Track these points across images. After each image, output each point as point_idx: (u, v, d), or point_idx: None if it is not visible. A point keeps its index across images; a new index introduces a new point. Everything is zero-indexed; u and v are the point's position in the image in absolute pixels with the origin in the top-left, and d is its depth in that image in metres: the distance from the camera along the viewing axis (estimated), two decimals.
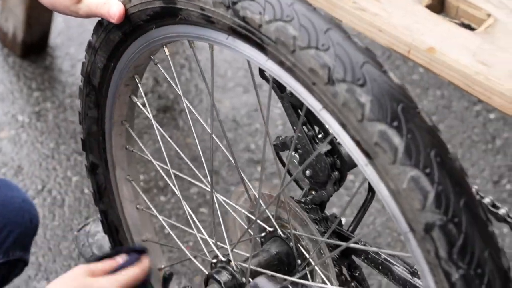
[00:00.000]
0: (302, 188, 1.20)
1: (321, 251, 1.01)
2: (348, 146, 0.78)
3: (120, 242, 1.34)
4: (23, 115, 2.11)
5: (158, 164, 1.17)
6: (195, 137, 1.20)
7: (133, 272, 1.06)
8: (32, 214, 1.26)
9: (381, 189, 0.78)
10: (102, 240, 1.49)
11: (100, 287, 1.02)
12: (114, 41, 1.04)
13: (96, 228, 1.71)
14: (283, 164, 1.20)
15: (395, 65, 2.33)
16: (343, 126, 0.78)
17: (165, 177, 1.18)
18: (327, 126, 0.97)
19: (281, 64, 0.82)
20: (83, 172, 1.96)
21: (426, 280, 0.78)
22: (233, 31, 0.86)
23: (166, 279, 1.32)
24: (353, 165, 1.05)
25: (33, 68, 2.23)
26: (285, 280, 0.97)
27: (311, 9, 0.81)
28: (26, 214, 1.24)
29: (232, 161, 1.06)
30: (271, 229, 1.05)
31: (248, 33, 0.84)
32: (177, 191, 1.13)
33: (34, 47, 2.24)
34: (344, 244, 0.99)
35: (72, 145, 2.03)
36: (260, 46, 0.84)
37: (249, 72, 2.34)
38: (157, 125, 1.14)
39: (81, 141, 1.21)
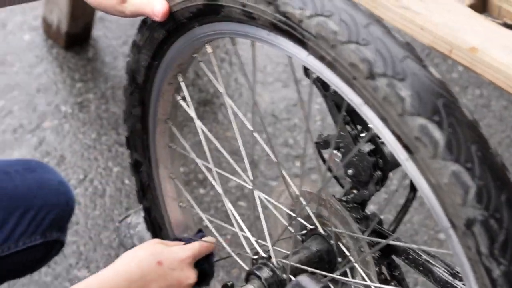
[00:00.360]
0: (343, 186, 1.21)
1: (362, 249, 1.01)
2: (389, 140, 0.79)
3: (163, 239, 1.36)
4: (66, 105, 2.14)
5: (201, 162, 1.19)
6: (236, 132, 1.20)
7: (200, 243, 1.13)
8: (68, 196, 1.29)
9: (422, 184, 0.78)
10: (143, 232, 1.51)
11: (172, 251, 1.07)
12: (158, 39, 1.05)
13: (137, 219, 1.73)
14: (325, 162, 1.21)
15: (434, 63, 2.32)
16: (384, 120, 0.79)
17: (206, 173, 1.20)
18: (368, 122, 0.97)
19: (321, 59, 0.83)
20: (124, 163, 1.99)
21: (467, 276, 0.78)
22: (274, 27, 0.87)
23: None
24: (396, 164, 1.06)
25: (76, 60, 2.26)
26: (325, 277, 0.98)
27: (351, 4, 0.82)
28: (63, 196, 1.27)
29: (273, 158, 1.07)
30: (311, 227, 1.06)
31: (289, 29, 0.85)
32: (219, 189, 1.14)
33: (77, 38, 2.28)
34: (384, 241, 0.99)
35: (113, 136, 2.06)
36: (301, 42, 0.85)
37: (288, 67, 2.35)
38: (201, 125, 1.15)
39: (125, 139, 1.23)
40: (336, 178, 1.22)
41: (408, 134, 0.77)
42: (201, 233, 1.21)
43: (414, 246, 1.03)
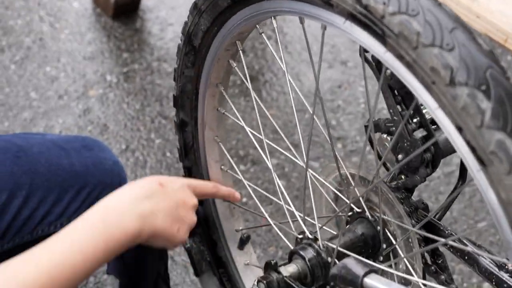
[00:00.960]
0: (388, 171, 1.20)
1: (410, 240, 1.00)
2: (461, 149, 0.77)
3: (201, 202, 1.36)
4: (111, 75, 2.15)
5: (250, 131, 1.18)
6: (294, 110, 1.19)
7: (204, 182, 1.15)
8: (121, 177, 1.29)
9: (490, 196, 0.77)
10: None
11: (172, 180, 1.06)
12: (222, 6, 1.04)
13: None
14: (373, 147, 1.19)
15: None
16: (459, 129, 0.76)
17: (255, 143, 1.19)
18: (439, 125, 0.96)
19: (400, 58, 0.81)
20: (166, 135, 1.99)
21: None
22: (352, 17, 0.85)
23: (243, 241, 1.33)
24: (448, 152, 1.04)
25: (124, 30, 2.27)
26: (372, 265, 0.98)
27: (437, 5, 0.80)
28: (116, 176, 1.27)
29: (327, 138, 1.06)
30: (359, 210, 1.05)
31: (369, 22, 0.83)
32: (268, 162, 1.14)
33: (125, 8, 2.28)
34: (441, 240, 0.98)
35: (157, 108, 2.06)
36: (379, 37, 0.82)
37: (334, 47, 2.33)
38: (254, 95, 1.15)
39: (173, 97, 1.23)
40: (383, 163, 1.21)
41: (484, 147, 0.75)
42: None
43: (469, 249, 1.02)
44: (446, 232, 1.07)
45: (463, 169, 1.11)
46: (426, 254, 1.10)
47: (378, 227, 1.01)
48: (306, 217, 1.06)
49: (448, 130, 0.78)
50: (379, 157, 1.15)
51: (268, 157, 1.14)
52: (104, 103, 2.07)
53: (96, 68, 2.16)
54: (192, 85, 1.18)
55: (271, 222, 1.23)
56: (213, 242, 1.33)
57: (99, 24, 2.28)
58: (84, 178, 1.24)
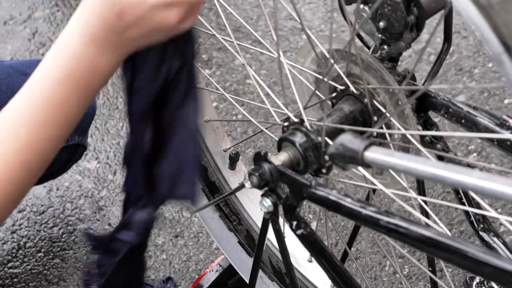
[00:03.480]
0: (367, 46, 1.13)
1: (399, 102, 0.94)
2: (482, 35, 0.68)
3: None
4: None
5: (222, 38, 1.10)
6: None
7: None
8: (92, 102, 1.23)
9: (467, 8, 0.69)
10: None
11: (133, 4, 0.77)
12: None
13: None
14: (346, 20, 1.12)
15: None
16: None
17: (225, 43, 1.11)
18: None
19: None
20: None
21: None
22: None
23: (233, 158, 1.28)
24: (432, 12, 0.97)
25: None
26: (365, 133, 0.92)
27: None
28: None
29: (297, 18, 0.98)
30: (342, 87, 0.98)
31: None
32: (242, 59, 1.06)
33: None
34: (422, 87, 0.92)
35: None
36: None
37: None
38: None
39: None
40: (359, 36, 1.14)
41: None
42: None
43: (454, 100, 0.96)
44: (438, 98, 1.01)
45: (447, 31, 1.05)
46: (419, 127, 1.04)
47: (365, 100, 0.95)
48: (288, 105, 0.99)
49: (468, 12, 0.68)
50: (358, 34, 1.08)
51: (241, 54, 1.06)
52: (53, 23, 1.95)
53: None
54: None
55: (251, 118, 1.16)
56: (203, 167, 1.26)
57: None
58: None
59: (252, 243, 1.33)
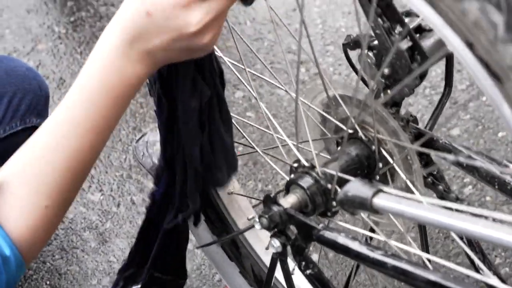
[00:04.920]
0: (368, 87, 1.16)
1: (408, 157, 0.98)
2: (471, 66, 0.72)
3: None
4: (59, 26, 2.06)
5: (230, 62, 1.13)
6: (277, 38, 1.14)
7: None
8: (39, 81, 1.28)
9: (505, 111, 0.72)
10: None
11: (161, 3, 0.80)
12: None
13: (154, 137, 1.69)
14: (352, 65, 1.16)
15: None
16: (470, 45, 0.71)
17: (237, 74, 1.15)
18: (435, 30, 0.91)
19: None
20: None
21: None
22: None
23: None
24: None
25: None
26: (375, 182, 0.95)
27: None
28: (33, 80, 1.26)
29: (312, 59, 1.01)
30: (351, 131, 1.02)
31: None
32: (254, 92, 1.09)
33: None
34: (449, 157, 0.95)
35: None
36: None
37: None
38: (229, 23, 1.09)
39: None
40: (363, 80, 1.18)
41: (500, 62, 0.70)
42: None
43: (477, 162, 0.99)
44: (440, 141, 1.05)
45: (448, 75, 1.09)
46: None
47: (373, 147, 0.99)
48: (299, 145, 1.02)
49: (456, 46, 0.72)
50: (362, 78, 1.11)
51: (253, 87, 1.09)
52: (56, 56, 1.99)
53: (41, 20, 2.07)
54: None
55: (259, 150, 1.19)
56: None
57: None
58: (1, 87, 1.22)
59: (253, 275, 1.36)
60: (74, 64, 1.97)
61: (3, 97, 1.20)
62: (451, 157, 0.86)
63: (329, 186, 0.96)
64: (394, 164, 0.98)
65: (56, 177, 0.84)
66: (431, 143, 1.05)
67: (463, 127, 1.92)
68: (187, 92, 0.95)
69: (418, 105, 1.95)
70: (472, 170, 1.01)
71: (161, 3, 0.80)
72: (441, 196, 1.10)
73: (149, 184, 1.71)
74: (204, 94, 0.96)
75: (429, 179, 1.09)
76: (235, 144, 1.70)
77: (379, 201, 0.83)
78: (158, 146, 1.46)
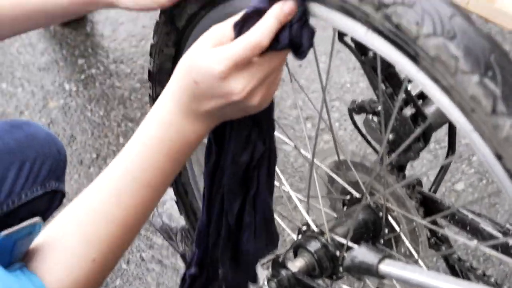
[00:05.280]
0: (375, 150, 1.20)
1: (416, 230, 1.00)
2: (499, 177, 0.72)
3: (190, 204, 1.34)
4: (70, 83, 2.10)
5: None
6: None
7: (275, 57, 0.83)
8: (58, 145, 1.31)
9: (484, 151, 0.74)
10: (172, 209, 1.50)
11: (208, 65, 0.83)
12: None
13: (164, 197, 1.72)
14: (358, 129, 1.19)
15: None
16: (499, 157, 0.71)
17: None
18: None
19: (435, 81, 0.71)
20: None
21: None
22: (378, 31, 0.76)
23: None
24: (439, 125, 1.05)
25: (75, 35, 2.22)
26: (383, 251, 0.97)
27: (473, 27, 0.72)
28: (53, 145, 1.30)
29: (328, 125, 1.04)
30: (358, 196, 1.05)
31: (399, 41, 0.74)
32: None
33: None
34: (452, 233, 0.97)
35: (121, 111, 2.03)
36: (411, 56, 0.73)
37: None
38: None
39: (149, 72, 1.18)
40: (368, 142, 1.21)
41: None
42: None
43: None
44: (445, 206, 1.07)
45: (451, 140, 1.12)
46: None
47: (381, 213, 1.01)
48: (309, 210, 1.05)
49: (487, 157, 0.72)
50: (366, 140, 1.15)
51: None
52: (67, 113, 2.03)
53: (53, 78, 2.11)
54: (172, 63, 1.15)
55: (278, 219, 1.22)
56: (193, 212, 1.31)
57: (49, 33, 2.23)
58: (22, 153, 1.25)
59: None
60: (85, 122, 2.01)
61: (25, 163, 1.24)
62: (472, 243, 0.87)
63: (337, 253, 0.98)
64: (401, 233, 1.01)
65: (109, 230, 0.84)
66: (435, 206, 1.08)
67: (468, 181, 1.94)
68: (240, 143, 0.94)
69: (423, 159, 1.98)
70: (475, 233, 1.03)
71: (205, 73, 0.82)
72: (444, 256, 1.12)
73: (158, 241, 1.73)
74: (258, 149, 0.94)
75: (432, 240, 1.11)
76: None
77: (385, 267, 0.85)
78: (168, 205, 1.49)
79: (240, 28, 0.82)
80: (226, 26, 0.83)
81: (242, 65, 0.81)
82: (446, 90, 0.71)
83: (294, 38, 0.82)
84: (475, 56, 0.70)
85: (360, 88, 2.13)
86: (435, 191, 1.11)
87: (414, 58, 0.72)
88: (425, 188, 1.12)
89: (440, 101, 0.72)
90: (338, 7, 0.79)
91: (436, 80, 0.71)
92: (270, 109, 0.93)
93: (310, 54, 0.95)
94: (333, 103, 2.12)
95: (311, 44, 0.84)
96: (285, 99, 2.11)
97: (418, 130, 1.00)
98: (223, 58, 0.81)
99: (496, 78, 0.69)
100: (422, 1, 0.73)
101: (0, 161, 1.21)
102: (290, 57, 0.85)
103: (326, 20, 0.82)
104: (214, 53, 0.82)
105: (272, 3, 0.81)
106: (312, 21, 0.84)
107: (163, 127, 0.86)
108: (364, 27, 0.76)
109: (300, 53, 0.84)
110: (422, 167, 1.98)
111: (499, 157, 0.70)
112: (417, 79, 0.73)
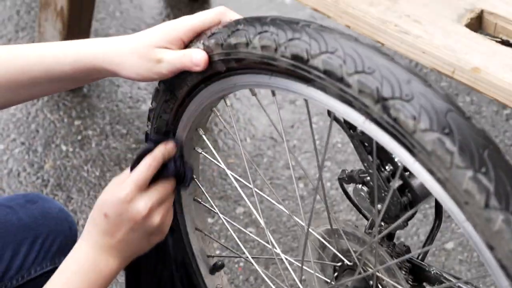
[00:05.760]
0: (366, 218, 1.23)
1: None
2: (492, 268, 0.75)
3: (178, 226, 1.35)
4: (66, 144, 2.14)
5: (233, 175, 1.20)
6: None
7: (144, 166, 1.03)
8: (70, 222, 1.35)
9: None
10: None
11: (113, 194, 1.02)
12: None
13: None
14: (349, 197, 1.23)
15: (422, 72, 2.36)
16: (491, 248, 0.73)
17: (243, 194, 1.21)
18: (395, 158, 0.97)
19: (431, 173, 0.75)
20: None
21: None
22: (375, 122, 0.80)
23: (216, 268, 1.32)
24: (425, 195, 1.09)
25: (71, 97, 2.27)
26: None
27: (470, 124, 0.77)
28: (65, 222, 1.34)
29: (321, 196, 1.08)
30: (350, 264, 1.08)
31: (397, 134, 0.78)
32: (259, 218, 1.16)
33: None
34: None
35: (117, 172, 2.07)
36: (407, 148, 0.77)
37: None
38: (245, 151, 1.17)
39: (146, 134, 1.20)
40: (359, 210, 1.25)
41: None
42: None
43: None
44: (432, 272, 1.11)
45: (438, 209, 1.16)
46: None
47: (371, 282, 1.05)
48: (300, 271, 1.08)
49: (479, 246, 0.75)
50: (357, 207, 1.18)
51: (260, 211, 1.17)
52: (63, 174, 2.06)
53: (50, 139, 2.15)
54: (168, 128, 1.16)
55: (260, 269, 1.25)
56: (184, 266, 1.33)
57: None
58: (35, 229, 1.29)
59: None
60: (81, 182, 2.04)
61: (38, 239, 1.28)
62: None
63: None
64: None
65: None
66: (423, 274, 1.11)
67: (457, 241, 1.98)
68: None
69: (414, 219, 2.01)
70: None
71: (112, 201, 1.01)
72: None
73: None
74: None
75: None
76: (237, 259, 1.74)
77: None
78: None
79: (136, 165, 1.04)
80: (125, 172, 1.04)
81: (143, 185, 1.02)
82: (441, 182, 0.74)
83: (178, 169, 1.07)
84: (469, 152, 0.74)
85: (351, 148, 2.18)
86: (423, 259, 1.14)
87: (410, 150, 0.76)
88: (414, 248, 1.16)
89: (435, 191, 0.75)
90: (338, 96, 0.83)
91: (431, 172, 0.75)
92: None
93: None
94: (324, 163, 2.16)
95: (191, 178, 1.10)
96: (277, 159, 2.15)
97: (409, 212, 1.04)
98: (125, 184, 1.01)
99: (489, 174, 0.73)
100: (420, 97, 0.77)
101: (13, 237, 1.25)
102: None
103: (325, 106, 0.87)
104: (118, 185, 1.02)
105: (157, 144, 1.07)
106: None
107: (81, 263, 1.03)
108: (363, 116, 0.80)
109: (184, 183, 1.08)
110: (413, 226, 2.01)
111: (491, 248, 0.73)
112: (413, 169, 0.77)
